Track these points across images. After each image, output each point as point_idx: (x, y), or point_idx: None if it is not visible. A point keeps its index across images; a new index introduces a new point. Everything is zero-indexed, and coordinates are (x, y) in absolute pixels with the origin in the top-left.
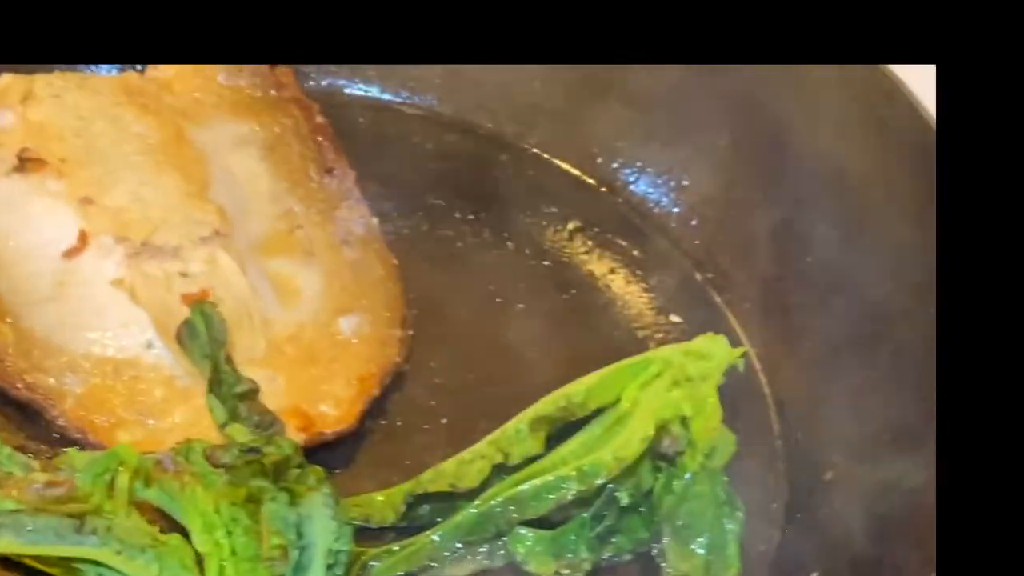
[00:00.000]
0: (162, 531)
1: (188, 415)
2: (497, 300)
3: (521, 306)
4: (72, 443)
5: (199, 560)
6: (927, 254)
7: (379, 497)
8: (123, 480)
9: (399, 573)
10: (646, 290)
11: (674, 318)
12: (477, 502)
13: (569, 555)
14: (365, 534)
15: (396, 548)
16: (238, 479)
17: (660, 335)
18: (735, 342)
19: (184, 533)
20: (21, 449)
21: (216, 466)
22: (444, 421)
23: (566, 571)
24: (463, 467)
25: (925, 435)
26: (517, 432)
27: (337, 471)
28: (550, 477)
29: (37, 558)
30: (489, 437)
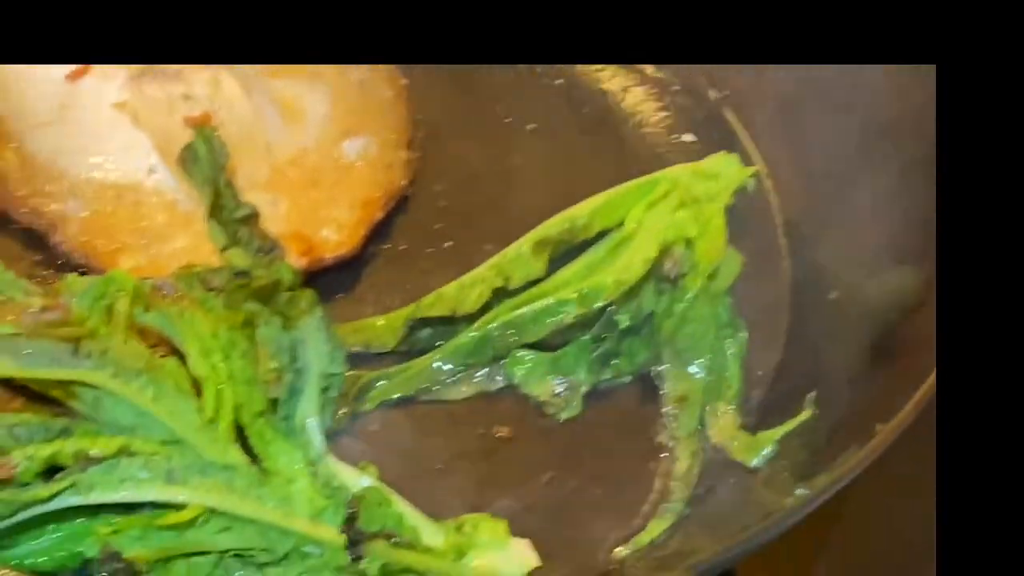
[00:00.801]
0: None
1: (190, 240)
2: (506, 120)
3: (532, 126)
4: (77, 269)
5: (196, 384)
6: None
7: (379, 322)
8: (121, 305)
9: (396, 395)
10: (660, 108)
11: (687, 137)
12: (476, 325)
13: (567, 377)
14: (366, 359)
15: (393, 371)
16: (232, 303)
17: (673, 155)
18: (747, 161)
19: (182, 359)
20: (28, 276)
21: (208, 290)
22: (448, 244)
23: (564, 392)
24: (464, 291)
25: (929, 253)
26: (518, 255)
27: (339, 296)
28: (550, 300)
29: (36, 382)
30: (490, 261)
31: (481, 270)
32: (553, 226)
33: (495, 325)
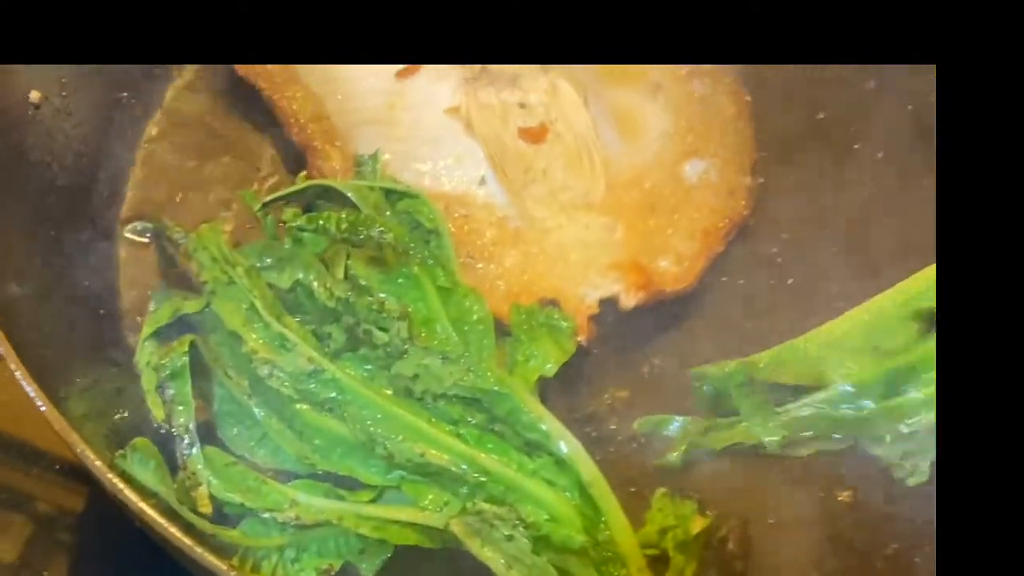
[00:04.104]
0: None
1: (519, 261)
2: (855, 146)
3: (880, 155)
4: None
5: None
6: None
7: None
8: None
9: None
10: None
11: None
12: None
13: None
14: None
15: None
16: None
17: None
18: None
19: None
20: None
21: None
22: (790, 281)
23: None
24: (808, 361)
25: None
26: (886, 319)
27: (672, 331)
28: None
29: None
30: (852, 320)
31: (839, 331)
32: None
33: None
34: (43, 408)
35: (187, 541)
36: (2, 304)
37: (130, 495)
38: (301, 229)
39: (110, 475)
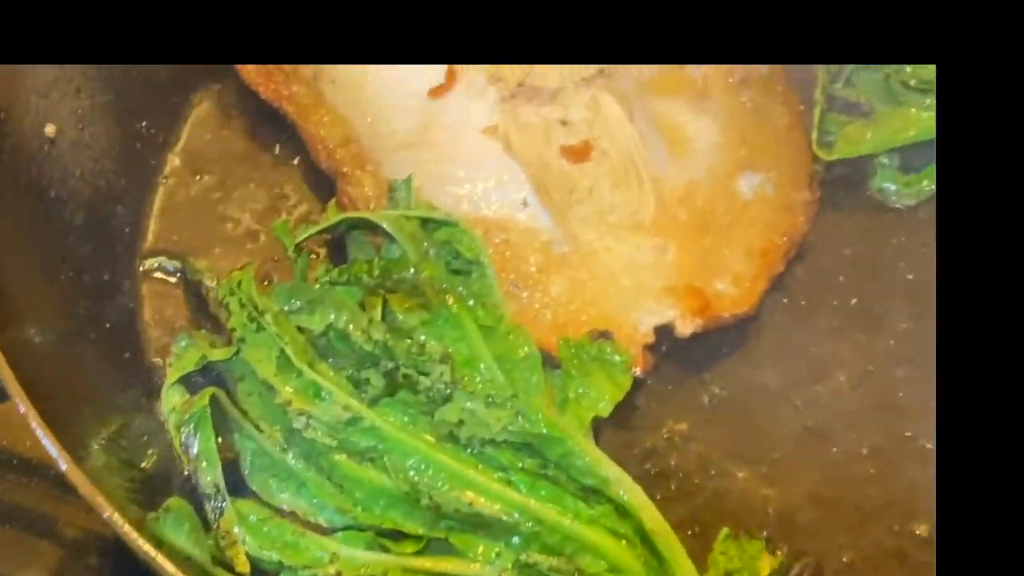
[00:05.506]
0: None
1: (567, 287)
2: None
3: None
4: None
5: None
6: None
7: None
8: None
9: None
10: None
11: None
12: None
13: None
14: None
15: None
16: None
17: None
18: None
19: None
20: None
21: None
22: (854, 302)
23: None
24: None
25: None
26: None
27: (734, 357)
28: None
29: None
30: None
31: None
32: None
33: None
34: (64, 467)
35: None
36: (21, 351)
37: (163, 562)
38: (333, 283)
39: (141, 542)
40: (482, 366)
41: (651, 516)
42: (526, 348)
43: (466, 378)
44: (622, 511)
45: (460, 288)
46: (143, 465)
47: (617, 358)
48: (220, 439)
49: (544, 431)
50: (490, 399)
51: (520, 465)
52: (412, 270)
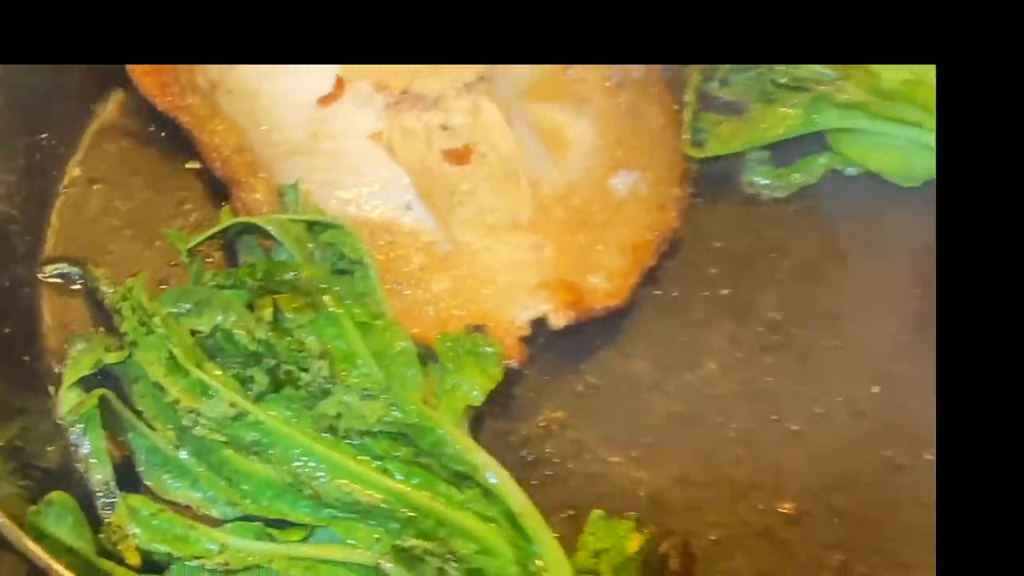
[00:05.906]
0: None
1: (448, 285)
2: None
3: None
4: None
5: None
6: None
7: None
8: None
9: None
10: None
11: None
12: None
13: None
14: None
15: None
16: None
17: None
18: None
19: None
20: None
21: None
22: (725, 292)
23: None
24: None
25: None
26: None
27: (606, 348)
28: None
29: None
30: None
31: None
32: None
33: None
34: None
35: None
36: None
37: (39, 553)
38: (221, 286)
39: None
40: (359, 361)
41: (518, 500)
42: (402, 343)
43: (344, 373)
44: (490, 495)
45: (339, 287)
46: (43, 465)
47: (489, 349)
48: (119, 438)
49: (416, 421)
50: (366, 392)
51: (396, 454)
52: (292, 272)
